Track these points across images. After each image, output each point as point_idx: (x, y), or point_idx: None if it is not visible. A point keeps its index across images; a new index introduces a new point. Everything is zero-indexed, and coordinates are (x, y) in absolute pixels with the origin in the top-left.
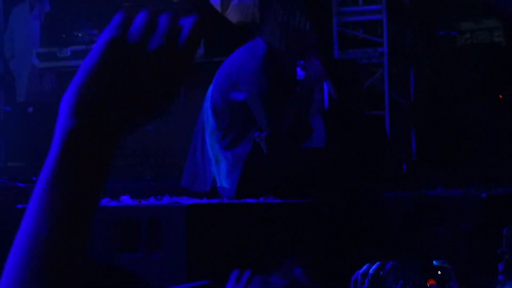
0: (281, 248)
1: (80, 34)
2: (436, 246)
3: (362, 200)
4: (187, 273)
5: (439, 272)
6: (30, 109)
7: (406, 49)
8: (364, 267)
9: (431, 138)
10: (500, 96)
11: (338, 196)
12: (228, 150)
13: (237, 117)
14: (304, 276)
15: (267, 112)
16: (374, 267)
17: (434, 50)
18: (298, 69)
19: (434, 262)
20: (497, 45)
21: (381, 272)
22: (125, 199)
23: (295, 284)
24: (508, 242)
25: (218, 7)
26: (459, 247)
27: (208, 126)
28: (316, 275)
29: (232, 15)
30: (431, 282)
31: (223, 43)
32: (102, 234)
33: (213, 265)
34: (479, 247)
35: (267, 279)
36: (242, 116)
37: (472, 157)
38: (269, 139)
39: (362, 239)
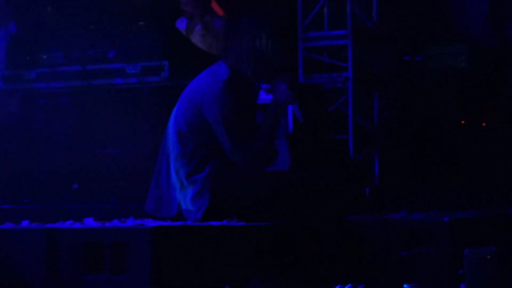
0: (245, 270)
1: (45, 57)
2: (400, 269)
3: (326, 223)
4: None
5: None
6: None
7: (371, 74)
8: None
9: (395, 163)
10: (463, 122)
11: (302, 219)
12: (194, 175)
13: (201, 141)
14: None
15: (231, 136)
16: None
17: (399, 75)
18: (263, 93)
19: (405, 286)
20: (461, 70)
21: None
22: (89, 221)
23: None
24: (469, 263)
25: (183, 31)
26: (422, 269)
27: (172, 151)
28: None
29: (197, 39)
30: None
31: (188, 67)
32: (66, 256)
33: (178, 287)
34: (442, 269)
35: None
36: (206, 140)
37: (434, 181)
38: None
39: (327, 262)
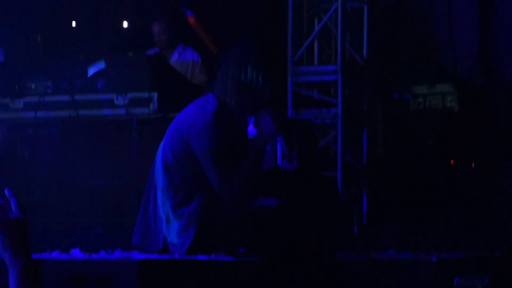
0: None
1: (33, 86)
2: None
3: (313, 260)
4: None
5: None
6: None
7: (361, 111)
8: None
9: (383, 201)
10: (452, 162)
11: (289, 255)
12: (180, 208)
13: (188, 174)
14: None
15: (218, 169)
16: None
17: (388, 112)
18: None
19: None
20: (450, 110)
21: None
22: (75, 252)
23: None
24: None
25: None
26: None
27: (159, 183)
28: None
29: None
30: None
31: (177, 99)
32: (52, 287)
33: None
34: None
35: None
36: (193, 173)
37: (422, 220)
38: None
39: None
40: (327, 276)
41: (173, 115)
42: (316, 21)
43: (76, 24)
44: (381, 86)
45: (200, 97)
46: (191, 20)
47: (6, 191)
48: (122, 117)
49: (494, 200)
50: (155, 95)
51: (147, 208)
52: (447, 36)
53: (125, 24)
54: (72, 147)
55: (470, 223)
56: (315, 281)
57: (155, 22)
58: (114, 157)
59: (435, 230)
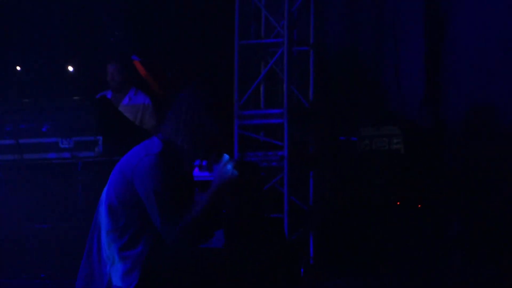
0: None
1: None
2: None
3: None
4: None
5: None
6: None
7: (307, 153)
8: None
9: (329, 242)
10: (398, 203)
11: None
12: (125, 250)
13: (133, 216)
14: None
15: (161, 211)
16: None
17: (335, 154)
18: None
19: None
20: (396, 151)
21: None
22: None
23: None
24: None
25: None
26: None
27: (104, 225)
28: None
29: (124, 111)
30: None
31: (122, 142)
32: None
33: None
34: None
35: None
36: (138, 216)
37: (369, 262)
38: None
39: None
40: None
41: (117, 159)
42: (262, 65)
43: (21, 68)
44: (327, 128)
45: (145, 140)
46: (137, 64)
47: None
48: (67, 161)
49: (441, 239)
50: (100, 138)
51: (91, 252)
52: (394, 81)
53: (70, 68)
54: (18, 191)
55: (417, 263)
56: None
57: (109, 64)
58: (59, 200)
59: (382, 271)
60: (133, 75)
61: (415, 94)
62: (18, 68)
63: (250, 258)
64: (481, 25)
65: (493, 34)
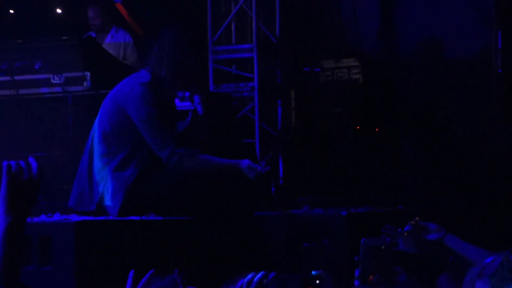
0: (164, 262)
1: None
2: (304, 258)
3: (235, 218)
4: (76, 284)
5: (317, 281)
6: None
7: (275, 84)
8: (249, 276)
9: (297, 164)
10: (358, 128)
11: (215, 213)
12: (116, 172)
13: (125, 141)
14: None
15: (156, 132)
16: (258, 275)
17: (300, 85)
18: (177, 100)
19: (313, 272)
20: (355, 81)
21: (265, 281)
22: None
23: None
24: (364, 251)
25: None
26: (325, 258)
27: (97, 150)
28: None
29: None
30: None
31: (108, 77)
32: None
33: (100, 276)
34: (341, 258)
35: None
36: (130, 141)
37: (333, 180)
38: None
39: (239, 253)
40: (248, 233)
41: (105, 92)
42: (232, 4)
43: (14, 11)
44: (293, 60)
45: (133, 73)
46: (119, 6)
47: (30, 158)
48: (58, 95)
49: (395, 160)
50: (88, 74)
51: (82, 174)
52: (352, 17)
53: (59, 10)
54: (13, 123)
55: (375, 181)
56: (238, 237)
57: (90, 8)
58: (52, 131)
59: (344, 189)
60: (113, 17)
61: (371, 28)
62: (11, 11)
63: (225, 180)
64: None
65: None
